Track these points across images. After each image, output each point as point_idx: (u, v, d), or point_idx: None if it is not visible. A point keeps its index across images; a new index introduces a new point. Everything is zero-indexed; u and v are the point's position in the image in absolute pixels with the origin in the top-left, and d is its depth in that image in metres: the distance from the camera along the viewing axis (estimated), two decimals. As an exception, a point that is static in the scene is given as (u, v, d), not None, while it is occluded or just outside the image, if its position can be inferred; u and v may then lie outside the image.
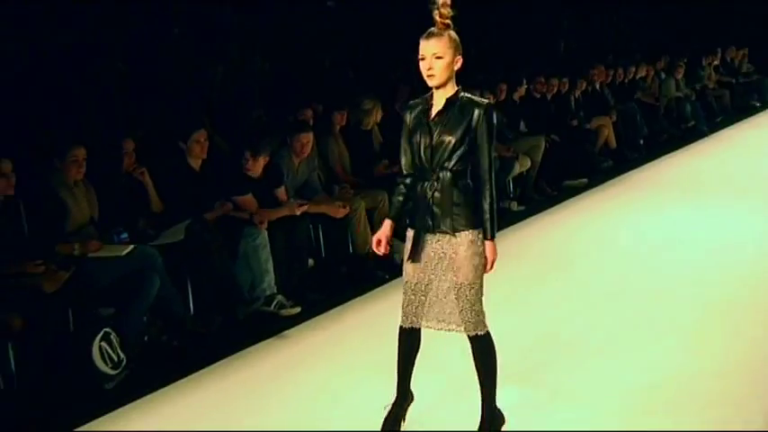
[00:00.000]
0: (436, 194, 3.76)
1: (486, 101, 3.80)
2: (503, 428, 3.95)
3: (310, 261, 6.52)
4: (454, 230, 3.76)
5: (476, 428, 3.93)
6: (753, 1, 16.82)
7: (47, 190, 5.25)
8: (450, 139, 3.72)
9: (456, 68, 3.74)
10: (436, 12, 3.69)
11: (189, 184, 5.90)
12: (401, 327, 3.94)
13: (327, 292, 6.23)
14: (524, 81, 9.88)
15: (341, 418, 4.26)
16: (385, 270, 6.48)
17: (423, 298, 3.85)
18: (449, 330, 3.85)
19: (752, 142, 12.32)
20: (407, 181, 3.90)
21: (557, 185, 9.52)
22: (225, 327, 5.61)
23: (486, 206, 3.76)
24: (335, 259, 6.71)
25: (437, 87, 3.75)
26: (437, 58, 3.68)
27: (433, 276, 3.82)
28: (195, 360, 5.07)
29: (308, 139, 6.58)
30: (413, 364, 4.02)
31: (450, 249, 3.78)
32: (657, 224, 7.97)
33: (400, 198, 3.92)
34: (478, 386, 3.90)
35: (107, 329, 4.87)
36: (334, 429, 4.16)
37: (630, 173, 10.52)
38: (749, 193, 9.07)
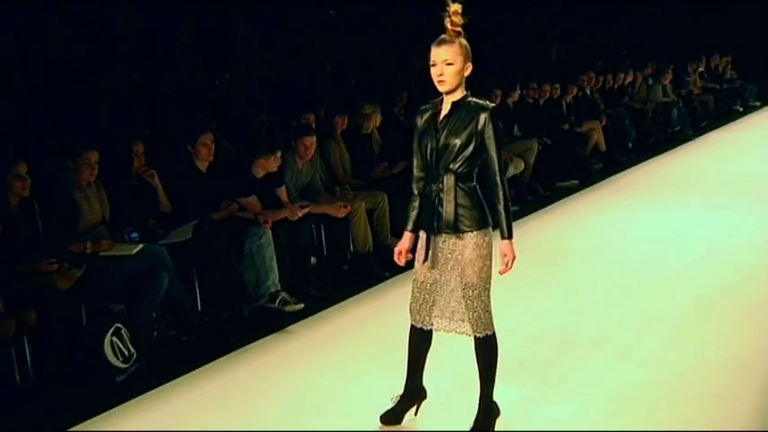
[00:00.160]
0: (441, 196, 3.76)
1: (492, 104, 3.79)
2: (497, 421, 3.97)
3: (313, 259, 6.55)
4: (459, 231, 3.76)
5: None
6: (736, 11, 16.97)
7: (61, 191, 5.30)
8: (456, 142, 3.72)
9: (466, 75, 3.75)
10: (448, 19, 3.69)
11: (196, 186, 5.94)
12: (412, 325, 3.94)
13: (329, 289, 6.29)
14: (518, 87, 9.93)
15: (342, 410, 4.32)
16: (385, 268, 6.57)
17: (430, 297, 3.86)
18: (459, 333, 3.83)
19: (735, 145, 12.44)
20: (418, 191, 3.89)
21: (549, 187, 9.59)
22: (231, 322, 5.66)
23: (501, 207, 3.76)
24: (337, 257, 6.76)
25: (447, 93, 3.76)
26: (448, 65, 3.69)
27: (440, 277, 3.83)
28: (202, 354, 5.13)
29: (311, 142, 6.63)
30: (423, 361, 4.02)
31: (457, 250, 3.78)
32: (646, 223, 8.02)
33: (414, 212, 3.92)
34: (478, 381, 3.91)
35: (118, 325, 4.93)
36: (335, 421, 4.19)
37: (620, 174, 10.59)
38: (733, 192, 9.18)
